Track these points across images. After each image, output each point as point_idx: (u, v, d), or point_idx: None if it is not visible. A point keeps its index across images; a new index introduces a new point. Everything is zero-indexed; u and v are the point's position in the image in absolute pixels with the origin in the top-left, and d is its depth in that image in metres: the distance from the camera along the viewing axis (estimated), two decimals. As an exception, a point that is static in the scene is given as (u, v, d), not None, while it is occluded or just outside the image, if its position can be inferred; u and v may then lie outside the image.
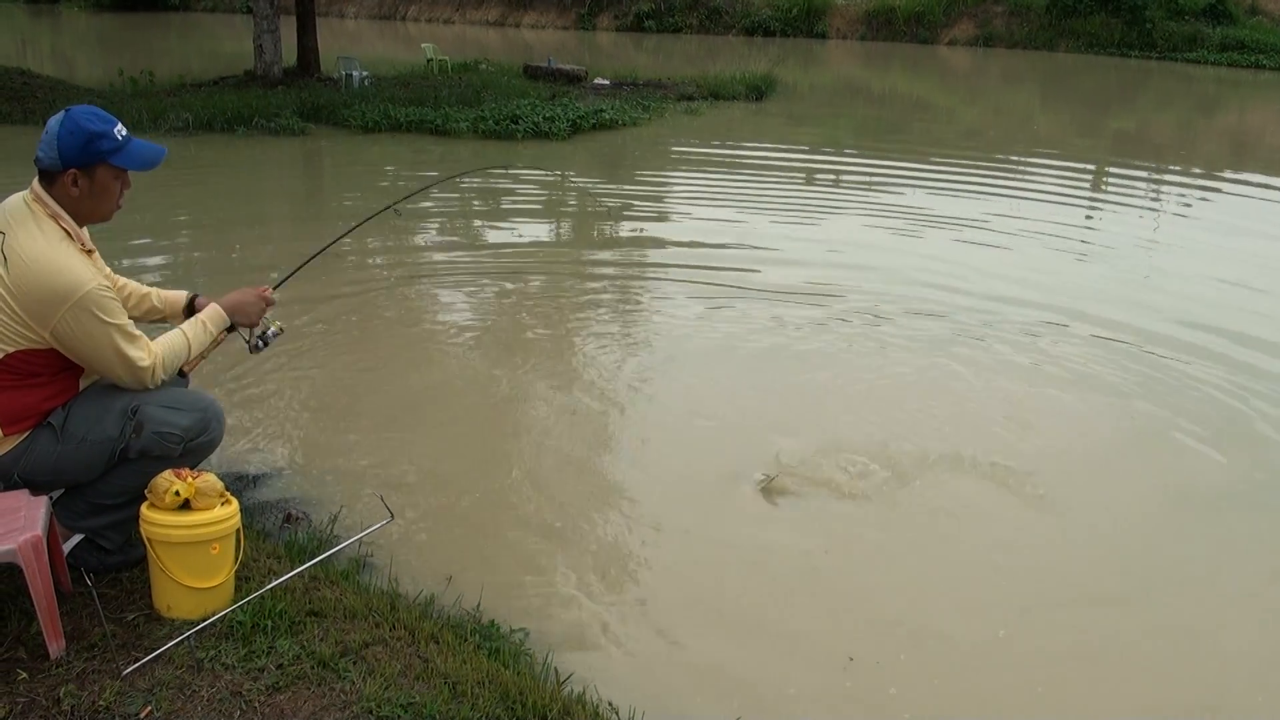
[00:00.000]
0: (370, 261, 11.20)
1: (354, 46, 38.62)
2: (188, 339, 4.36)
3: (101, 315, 3.96)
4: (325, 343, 8.37)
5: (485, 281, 10.43)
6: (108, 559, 4.46)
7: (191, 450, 4.30)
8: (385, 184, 15.60)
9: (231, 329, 4.59)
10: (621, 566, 5.40)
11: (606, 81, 27.39)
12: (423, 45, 31.15)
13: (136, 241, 11.37)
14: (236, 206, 13.74)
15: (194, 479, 4.06)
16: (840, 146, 21.23)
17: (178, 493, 4.00)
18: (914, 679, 4.62)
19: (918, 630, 4.95)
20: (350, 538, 4.96)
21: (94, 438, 4.16)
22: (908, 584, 5.34)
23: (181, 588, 4.05)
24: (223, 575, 4.13)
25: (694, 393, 7.60)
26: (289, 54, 24.58)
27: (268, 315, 4.74)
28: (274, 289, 4.76)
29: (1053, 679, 4.68)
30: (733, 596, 5.19)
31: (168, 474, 4.08)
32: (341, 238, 5.93)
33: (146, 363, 4.14)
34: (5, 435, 4.10)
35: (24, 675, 3.78)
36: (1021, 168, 18.81)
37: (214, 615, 4.09)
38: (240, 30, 44.50)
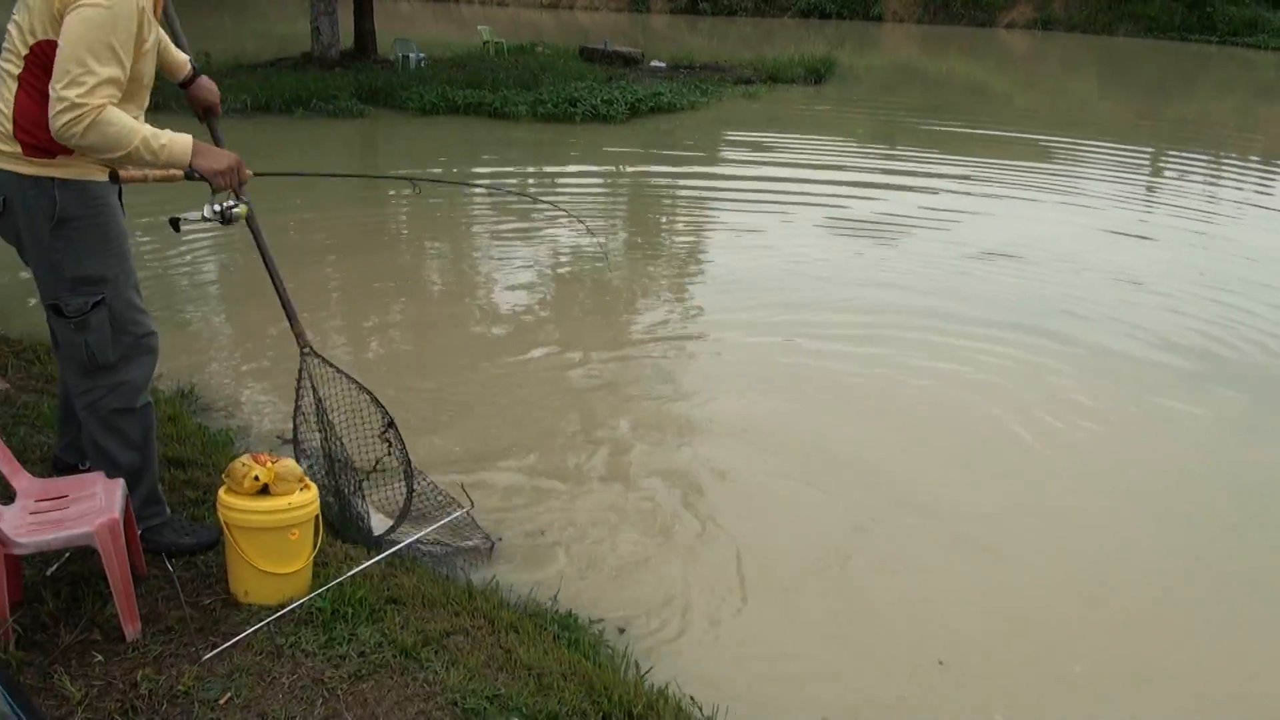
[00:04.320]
0: (422, 245, 11.15)
1: (408, 28, 38.56)
2: (142, 133, 3.81)
3: (101, 25, 3.69)
4: (388, 335, 8.32)
5: (550, 271, 10.36)
6: (180, 540, 4.42)
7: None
8: (439, 169, 15.54)
9: (191, 176, 4.00)
10: (703, 560, 5.31)
11: (663, 64, 27.25)
12: (479, 27, 31.15)
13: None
14: (293, 189, 13.74)
15: (273, 463, 4.02)
16: (902, 138, 20.90)
17: (256, 477, 3.96)
18: (1004, 681, 4.53)
19: (1007, 632, 4.85)
20: (429, 525, 4.90)
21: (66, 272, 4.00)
22: (991, 592, 5.23)
23: (260, 573, 4.01)
24: (301, 561, 4.08)
25: (772, 399, 7.41)
26: (345, 36, 24.57)
27: (236, 194, 4.25)
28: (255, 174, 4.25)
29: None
30: (819, 596, 5.09)
31: (246, 458, 4.04)
32: (349, 175, 5.76)
33: (89, 100, 3.68)
34: (24, 156, 3.89)
35: (100, 658, 3.75)
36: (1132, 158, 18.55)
37: (292, 601, 4.06)
38: (294, 12, 44.53)
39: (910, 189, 14.71)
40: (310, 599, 4.05)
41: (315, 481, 4.90)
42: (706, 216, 13.01)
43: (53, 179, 3.90)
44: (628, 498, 5.87)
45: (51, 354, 5.03)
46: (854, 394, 7.41)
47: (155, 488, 4.44)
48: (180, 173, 3.97)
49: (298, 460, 4.98)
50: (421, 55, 24.26)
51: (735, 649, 4.64)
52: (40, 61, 3.77)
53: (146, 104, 4.18)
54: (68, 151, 3.85)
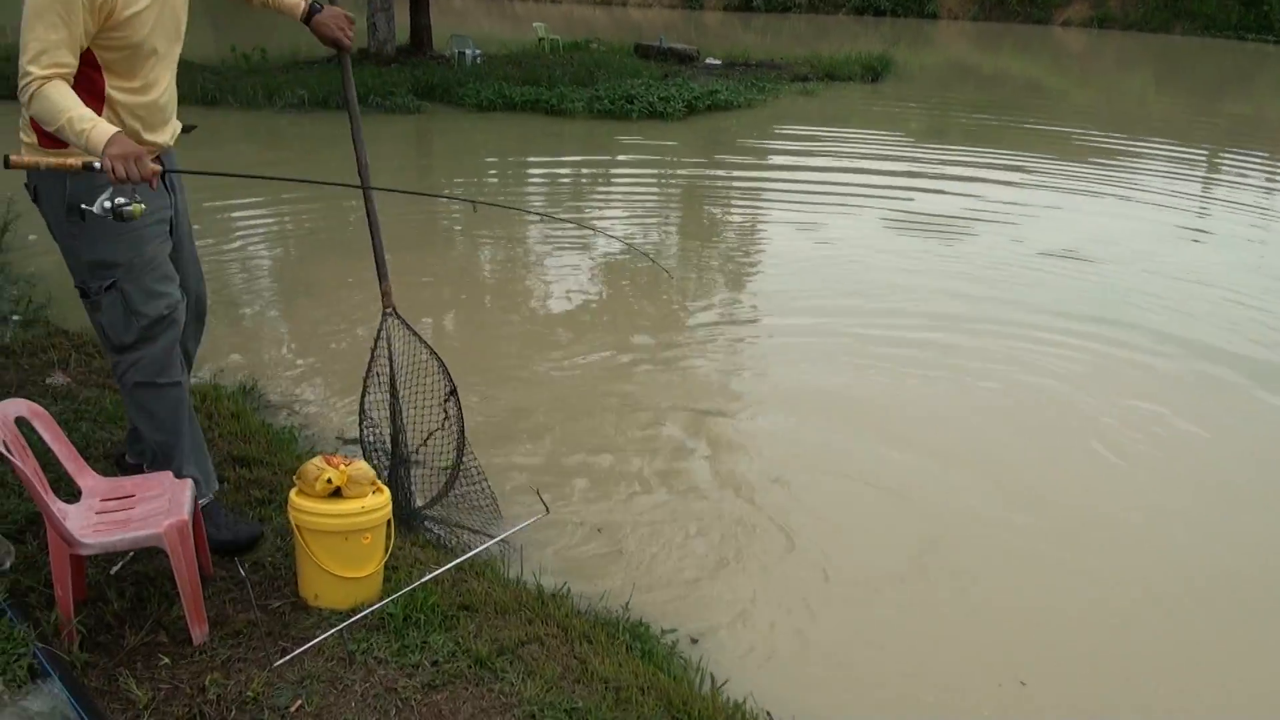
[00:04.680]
0: (479, 252, 11.08)
1: (462, 24, 38.61)
2: (69, 114, 3.65)
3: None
4: (442, 332, 8.25)
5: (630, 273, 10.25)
6: (217, 535, 4.34)
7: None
8: (494, 162, 15.47)
9: (91, 168, 3.72)
10: (774, 568, 5.19)
11: (719, 61, 27.10)
12: (534, 24, 31.07)
13: (244, 211, 11.47)
14: (346, 183, 13.66)
15: (346, 465, 3.93)
16: (960, 135, 20.64)
17: (329, 480, 3.88)
18: (1088, 706, 4.37)
19: (1090, 654, 4.69)
20: (505, 531, 4.78)
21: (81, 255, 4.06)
22: (1074, 608, 5.06)
23: (331, 577, 3.93)
24: (373, 566, 4.00)
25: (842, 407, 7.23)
26: (400, 32, 24.57)
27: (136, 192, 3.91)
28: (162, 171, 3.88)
29: None
30: (896, 608, 4.94)
31: (318, 460, 3.96)
32: (300, 181, 5.61)
33: (33, 70, 3.66)
34: (39, 145, 3.89)
35: (166, 660, 3.68)
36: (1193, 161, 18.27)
37: (363, 606, 3.97)
38: (349, 8, 44.53)
39: (972, 186, 14.51)
40: (383, 605, 3.95)
41: (380, 450, 4.84)
42: (766, 213, 12.87)
43: (62, 171, 3.87)
44: (694, 501, 5.75)
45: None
46: (925, 395, 7.26)
47: (189, 471, 4.34)
48: (78, 163, 3.74)
49: (360, 429, 4.96)
50: (478, 52, 24.22)
51: (811, 663, 4.51)
52: None
53: (160, 75, 4.09)
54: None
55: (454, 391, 4.87)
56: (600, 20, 46.08)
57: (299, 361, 7.42)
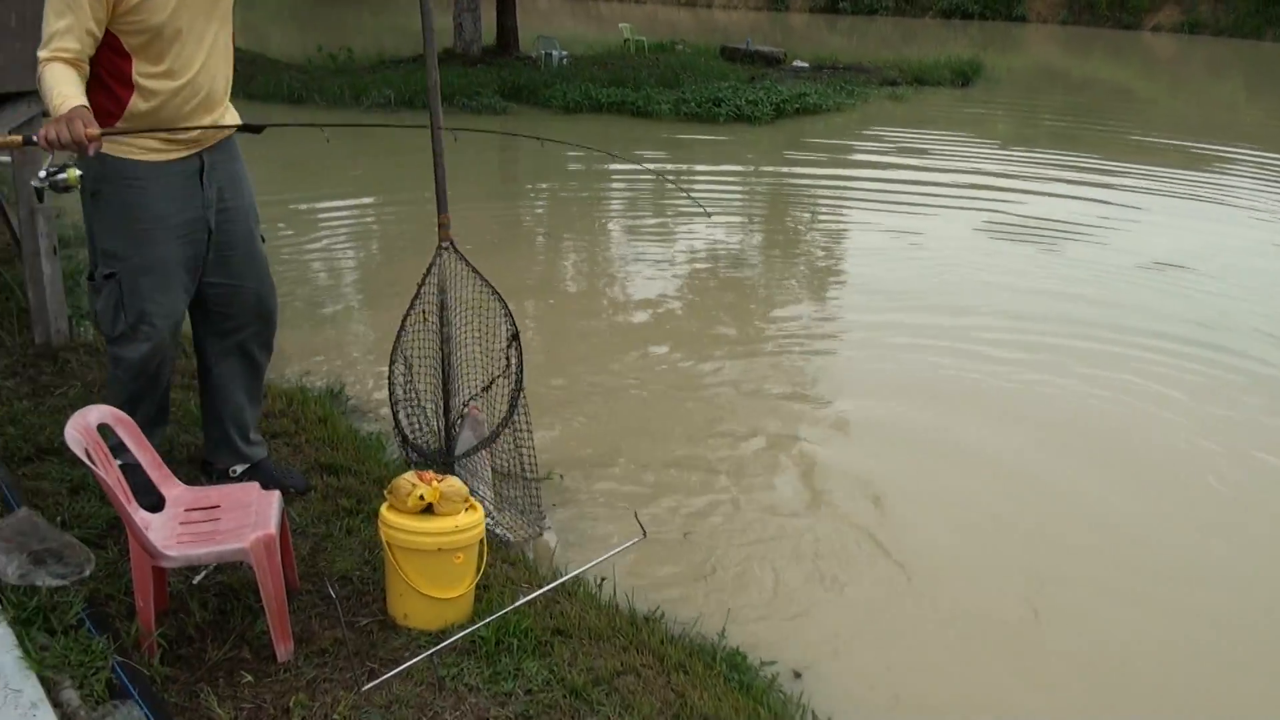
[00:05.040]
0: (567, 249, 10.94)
1: (546, 25, 38.54)
2: (54, 92, 3.66)
3: None
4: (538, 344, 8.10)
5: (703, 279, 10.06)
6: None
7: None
8: (578, 164, 15.34)
9: (30, 142, 3.68)
10: (875, 596, 4.96)
11: (806, 64, 26.80)
12: (620, 25, 30.95)
13: (329, 210, 11.48)
14: (426, 187, 13.65)
15: (438, 482, 3.77)
16: (1052, 141, 20.10)
17: (421, 496, 3.71)
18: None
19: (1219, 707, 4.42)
20: (601, 556, 4.56)
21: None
22: (1200, 654, 4.76)
23: (421, 597, 3.76)
24: (464, 586, 3.84)
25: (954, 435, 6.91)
26: (486, 33, 24.55)
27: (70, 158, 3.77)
28: (102, 134, 3.68)
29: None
30: (1005, 645, 4.69)
31: (410, 476, 3.81)
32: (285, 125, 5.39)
33: (42, 53, 3.74)
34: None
35: (249, 678, 3.54)
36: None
37: (453, 627, 3.81)
38: (433, 7, 44.83)
39: (1063, 193, 14.12)
40: (474, 630, 3.77)
41: (410, 403, 4.79)
42: (855, 217, 12.63)
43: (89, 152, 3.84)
44: (787, 521, 5.53)
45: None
46: (1024, 409, 7.00)
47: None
48: (18, 139, 3.74)
49: (390, 373, 4.86)
50: (564, 53, 24.13)
51: (920, 702, 4.28)
52: None
53: (191, 58, 4.01)
54: (109, 125, 3.86)
55: (516, 336, 4.71)
56: (684, 21, 45.87)
57: (384, 366, 7.29)
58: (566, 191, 13.84)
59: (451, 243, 4.61)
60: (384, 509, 3.82)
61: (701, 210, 9.20)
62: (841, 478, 6.04)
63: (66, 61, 3.72)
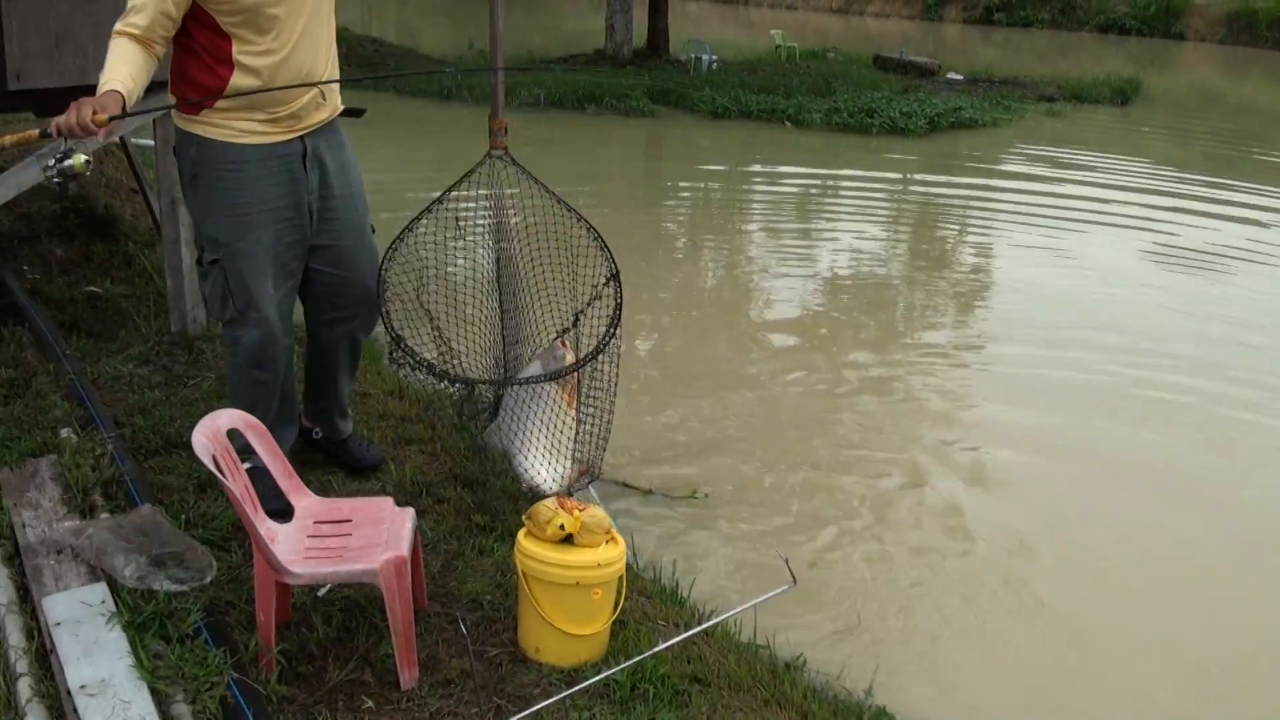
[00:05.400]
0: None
1: (696, 28, 38.36)
2: (107, 68, 3.64)
3: None
4: (653, 338, 7.85)
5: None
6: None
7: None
8: (722, 169, 15.07)
9: (46, 134, 3.56)
10: (1037, 647, 4.64)
11: (960, 77, 26.20)
12: (771, 31, 30.62)
13: (463, 199, 11.23)
14: (576, 185, 13.58)
15: (580, 511, 3.53)
16: (1219, 165, 19.07)
17: (562, 526, 3.48)
18: None
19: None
20: (747, 602, 4.26)
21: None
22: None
23: (555, 631, 3.52)
24: (601, 623, 3.59)
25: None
26: (637, 35, 24.42)
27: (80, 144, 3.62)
28: (110, 118, 3.49)
29: None
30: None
31: (551, 503, 3.57)
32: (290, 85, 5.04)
33: (117, 27, 3.72)
34: (177, 110, 3.97)
35: (370, 704, 3.36)
36: None
37: (586, 664, 3.57)
38: (583, 8, 44.96)
39: (1229, 221, 13.46)
40: (610, 675, 3.50)
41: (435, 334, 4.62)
42: (1010, 237, 12.16)
43: (192, 134, 3.96)
44: (939, 563, 5.23)
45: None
46: (1197, 452, 6.58)
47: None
48: (35, 133, 3.61)
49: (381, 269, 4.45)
50: (714, 57, 23.88)
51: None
52: (191, 15, 3.78)
53: (290, 38, 3.92)
54: (210, 108, 3.89)
55: (616, 275, 4.42)
56: (836, 28, 45.30)
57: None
58: (710, 196, 13.60)
59: (507, 152, 4.28)
60: (521, 535, 3.59)
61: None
62: (988, 520, 5.69)
63: (133, 38, 3.69)
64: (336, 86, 4.23)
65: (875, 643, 4.57)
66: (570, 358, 4.56)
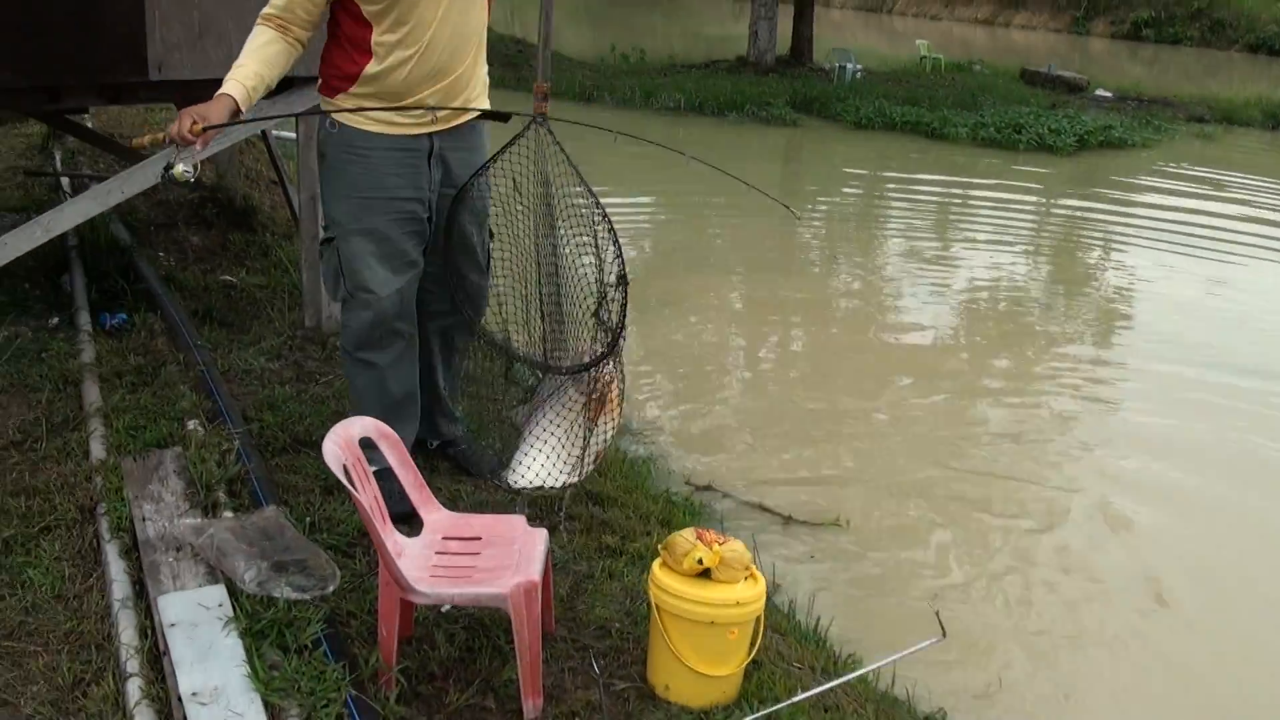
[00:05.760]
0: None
1: (839, 36, 37.94)
2: (239, 59, 3.80)
3: None
4: (775, 353, 7.61)
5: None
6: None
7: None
8: (860, 178, 14.77)
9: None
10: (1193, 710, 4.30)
11: (1109, 94, 25.52)
12: (916, 41, 30.17)
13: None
14: (710, 193, 13.44)
15: (720, 544, 3.33)
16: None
17: (700, 560, 3.28)
18: None
19: None
20: (892, 653, 4.00)
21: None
22: None
23: (687, 670, 3.33)
24: (735, 664, 3.38)
25: None
26: (781, 43, 24.19)
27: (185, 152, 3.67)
28: (205, 129, 3.60)
29: None
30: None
31: (689, 534, 3.37)
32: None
33: (261, 14, 3.85)
34: (320, 92, 4.09)
35: (490, 732, 3.18)
36: None
37: (717, 707, 3.36)
38: (724, 14, 44.81)
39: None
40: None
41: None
42: (1157, 260, 11.66)
43: (327, 116, 4.04)
44: (1084, 615, 4.89)
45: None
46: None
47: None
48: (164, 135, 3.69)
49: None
50: (858, 66, 23.54)
51: None
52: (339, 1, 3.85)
53: (427, 29, 3.89)
54: (344, 92, 3.96)
55: (624, 278, 4.07)
56: (980, 40, 44.56)
57: (651, 381, 6.98)
58: (849, 208, 13.35)
59: (546, 119, 4.01)
60: (656, 566, 3.40)
61: (790, 212, 8.59)
62: (1130, 566, 5.34)
63: (271, 22, 3.81)
64: (481, 87, 4.19)
65: (1022, 698, 4.30)
66: (606, 367, 4.17)
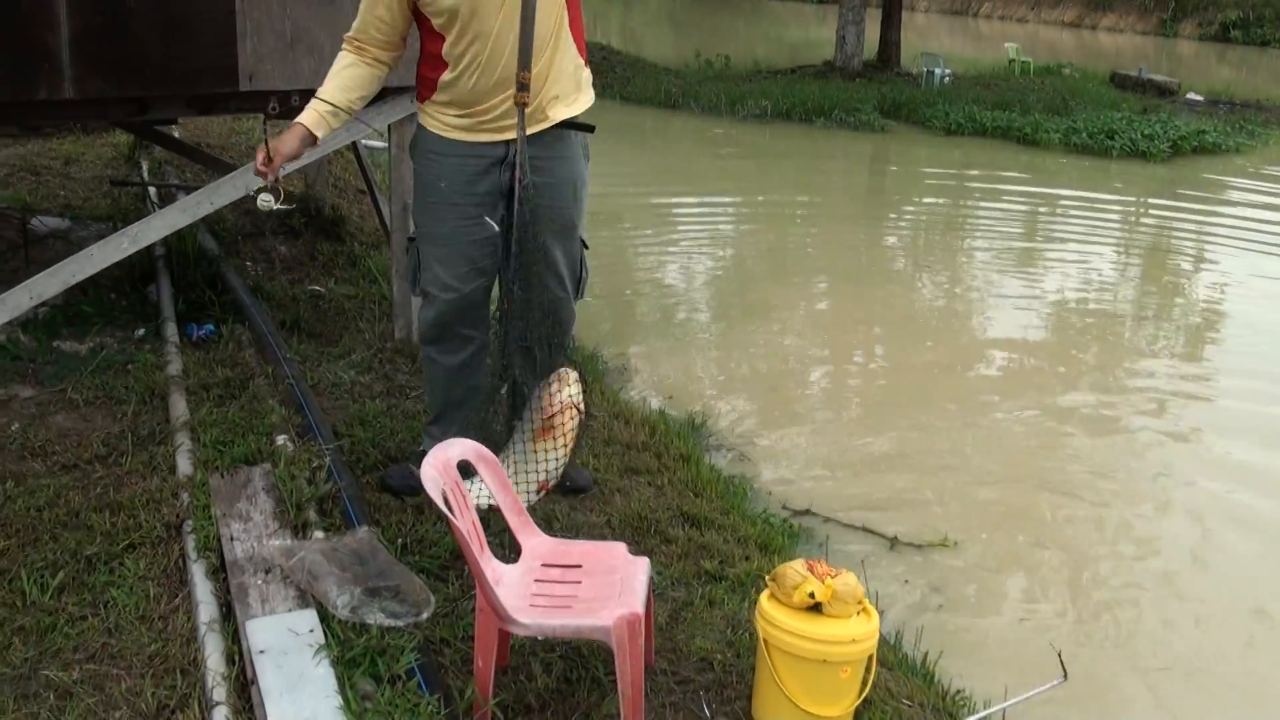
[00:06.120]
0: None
1: (923, 40, 37.52)
2: (320, 92, 3.95)
3: None
4: (864, 370, 7.42)
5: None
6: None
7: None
8: (949, 184, 14.51)
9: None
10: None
11: (1200, 98, 24.92)
12: (1005, 44, 29.70)
13: (688, 204, 11.21)
14: (792, 194, 13.25)
15: (832, 577, 3.17)
16: None
17: (811, 594, 3.12)
18: None
19: None
20: (1011, 697, 3.80)
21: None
22: None
23: (795, 708, 3.17)
24: (846, 704, 3.22)
25: None
26: (868, 48, 23.92)
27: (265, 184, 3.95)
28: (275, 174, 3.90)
29: None
30: None
31: (800, 565, 3.22)
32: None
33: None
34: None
35: (589, 767, 3.05)
36: None
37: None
38: (807, 18, 44.55)
39: None
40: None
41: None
42: (1256, 268, 11.22)
43: (417, 119, 4.18)
44: (1195, 639, 4.65)
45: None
46: None
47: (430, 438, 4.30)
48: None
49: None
50: (947, 71, 23.19)
51: None
52: (418, 15, 3.91)
53: (486, 43, 3.84)
54: (428, 99, 4.05)
55: (584, 412, 3.93)
56: (1067, 43, 43.85)
57: (738, 396, 6.83)
58: (936, 215, 13.09)
59: (524, 110, 3.91)
60: (764, 598, 3.25)
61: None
62: (1237, 596, 5.07)
63: (351, 48, 3.96)
64: (565, 92, 4.05)
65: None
66: (564, 388, 4.00)
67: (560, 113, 4.05)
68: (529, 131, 3.95)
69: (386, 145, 6.57)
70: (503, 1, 3.77)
